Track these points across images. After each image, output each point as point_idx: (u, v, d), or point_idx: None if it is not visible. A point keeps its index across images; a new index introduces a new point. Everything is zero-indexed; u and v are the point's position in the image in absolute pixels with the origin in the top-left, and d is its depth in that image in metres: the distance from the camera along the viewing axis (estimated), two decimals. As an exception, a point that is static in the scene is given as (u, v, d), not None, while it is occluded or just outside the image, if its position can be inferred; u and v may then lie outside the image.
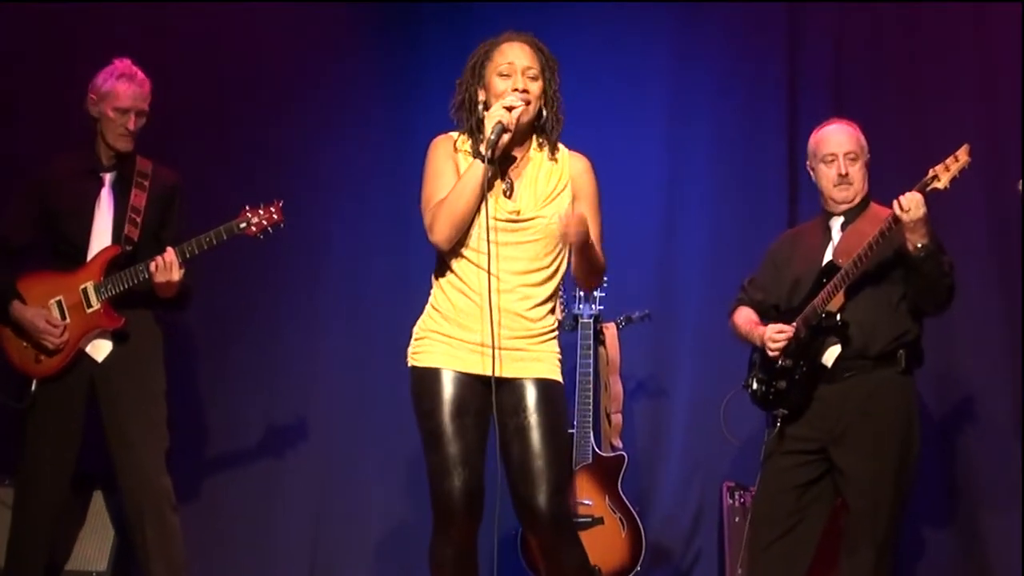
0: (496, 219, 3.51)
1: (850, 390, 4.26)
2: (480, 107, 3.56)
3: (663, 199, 5.67)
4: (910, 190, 4.10)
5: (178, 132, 5.22)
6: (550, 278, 3.59)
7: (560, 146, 3.63)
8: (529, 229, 3.55)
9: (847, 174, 4.35)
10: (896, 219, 4.08)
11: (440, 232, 3.51)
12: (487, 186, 3.47)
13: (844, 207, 4.39)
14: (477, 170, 3.47)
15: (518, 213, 3.53)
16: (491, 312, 3.46)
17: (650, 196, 5.66)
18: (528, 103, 3.51)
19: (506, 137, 3.47)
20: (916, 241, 4.10)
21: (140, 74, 4.54)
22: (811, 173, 4.49)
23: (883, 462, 4.21)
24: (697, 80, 5.68)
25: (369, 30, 5.79)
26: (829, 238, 4.41)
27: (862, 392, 4.24)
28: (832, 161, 4.38)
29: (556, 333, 3.63)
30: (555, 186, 3.59)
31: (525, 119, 3.52)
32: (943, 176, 4.06)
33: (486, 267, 3.47)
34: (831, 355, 4.28)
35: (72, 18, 5.35)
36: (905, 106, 5.38)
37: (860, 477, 4.21)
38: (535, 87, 3.54)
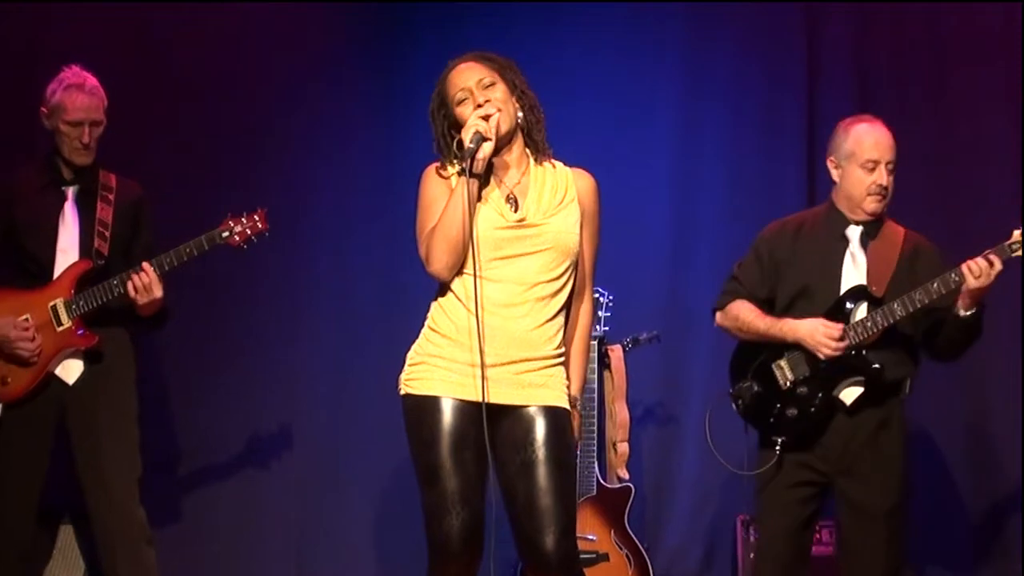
0: (502, 228, 3.41)
1: (861, 420, 4.13)
2: (455, 140, 3.46)
3: (674, 209, 5.59)
4: (979, 256, 3.91)
5: (159, 142, 5.19)
6: (560, 290, 3.46)
7: (558, 163, 3.54)
8: (538, 237, 3.43)
9: (887, 187, 4.16)
10: (955, 280, 3.93)
11: (438, 260, 3.40)
12: (474, 198, 3.37)
13: (867, 217, 4.19)
14: (463, 187, 3.38)
15: (524, 220, 3.43)
16: (479, 326, 3.34)
17: (660, 206, 5.59)
18: (499, 109, 3.42)
19: (488, 147, 3.37)
20: (970, 306, 3.98)
21: (90, 81, 4.40)
22: (833, 170, 4.23)
23: (892, 496, 4.11)
24: (710, 85, 5.60)
25: (359, 36, 5.70)
26: (845, 246, 4.19)
27: (873, 422, 4.12)
28: (872, 169, 4.16)
29: (564, 359, 3.50)
30: (561, 198, 3.49)
31: (504, 127, 3.42)
32: None
33: (484, 277, 3.38)
34: (850, 395, 4.12)
35: (42, 21, 5.25)
36: (931, 107, 5.30)
37: (871, 511, 4.09)
38: (497, 93, 3.44)
